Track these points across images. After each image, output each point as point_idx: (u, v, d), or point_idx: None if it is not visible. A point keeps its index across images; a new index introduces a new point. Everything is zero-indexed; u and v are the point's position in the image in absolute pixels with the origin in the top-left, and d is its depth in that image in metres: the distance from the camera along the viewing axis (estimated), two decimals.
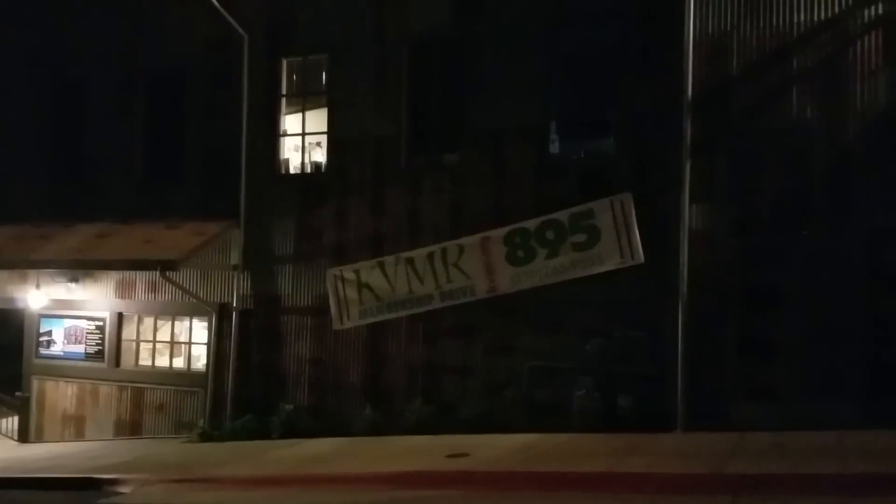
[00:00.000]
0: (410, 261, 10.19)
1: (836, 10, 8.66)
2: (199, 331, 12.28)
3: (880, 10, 8.47)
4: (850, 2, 8.60)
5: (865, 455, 6.97)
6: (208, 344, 11.99)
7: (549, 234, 9.41)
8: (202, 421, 11.45)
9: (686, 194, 9.04)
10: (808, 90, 8.80)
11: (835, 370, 8.35)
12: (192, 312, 12.22)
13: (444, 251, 9.99)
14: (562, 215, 9.37)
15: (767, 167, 8.88)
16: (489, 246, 9.71)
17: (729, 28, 9.08)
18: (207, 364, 11.95)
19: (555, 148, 10.25)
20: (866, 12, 8.54)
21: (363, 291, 10.51)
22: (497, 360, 10.17)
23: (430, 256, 10.07)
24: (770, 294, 8.71)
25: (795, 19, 8.83)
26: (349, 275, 10.59)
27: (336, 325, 10.72)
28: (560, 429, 9.09)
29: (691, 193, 9.04)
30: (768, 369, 8.65)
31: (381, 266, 10.40)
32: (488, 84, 10.45)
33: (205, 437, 11.12)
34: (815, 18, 8.75)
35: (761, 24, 8.96)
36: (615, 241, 9.12)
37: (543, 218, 9.47)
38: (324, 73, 11.84)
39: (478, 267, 9.75)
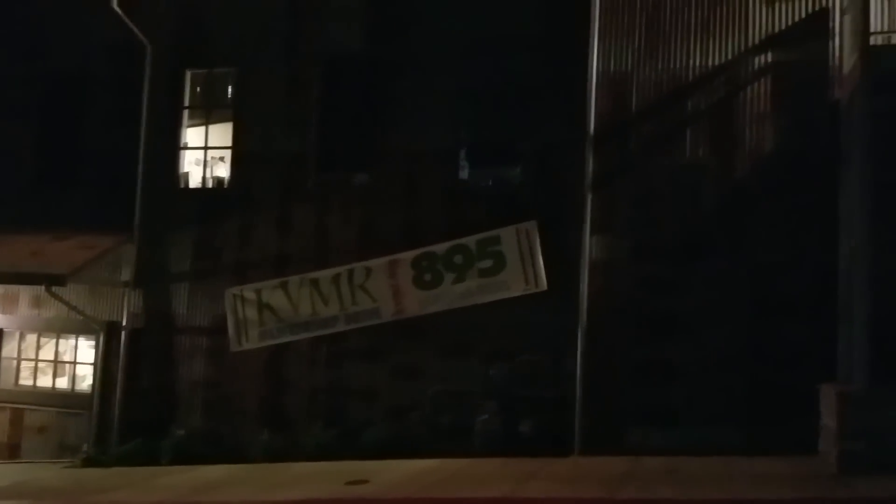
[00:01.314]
0: (315, 282, 10.08)
1: (729, 56, 9.22)
2: (86, 350, 11.70)
3: (769, 59, 9.08)
4: (742, 49, 9.18)
5: (751, 480, 7.35)
6: (95, 364, 11.43)
7: (457, 259, 9.54)
8: (87, 445, 10.87)
9: (588, 225, 9.35)
10: (702, 130, 9.30)
11: (724, 396, 8.78)
12: (78, 330, 11.63)
13: (350, 273, 9.94)
14: (469, 241, 9.52)
15: (664, 201, 9.30)
16: (397, 269, 9.74)
17: (630, 69, 9.51)
18: (94, 385, 11.39)
19: (464, 174, 10.47)
20: (756, 60, 9.14)
21: (264, 312, 10.30)
22: (402, 383, 10.15)
23: (336, 278, 9.99)
24: (665, 322, 9.09)
25: (691, 64, 9.34)
26: (249, 294, 10.35)
27: (234, 347, 10.44)
28: (463, 453, 9.12)
29: (592, 224, 9.36)
30: (663, 394, 9.00)
31: (285, 286, 10.23)
32: (401, 106, 10.54)
33: (89, 462, 10.53)
34: (709, 64, 9.28)
35: (659, 66, 9.43)
36: (520, 267, 9.35)
37: (451, 243, 9.59)
38: (230, 87, 11.62)
39: (385, 290, 9.75)
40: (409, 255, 9.78)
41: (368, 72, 10.77)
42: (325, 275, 10.07)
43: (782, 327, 8.66)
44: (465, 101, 10.33)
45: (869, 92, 7.40)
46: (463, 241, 9.55)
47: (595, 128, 9.49)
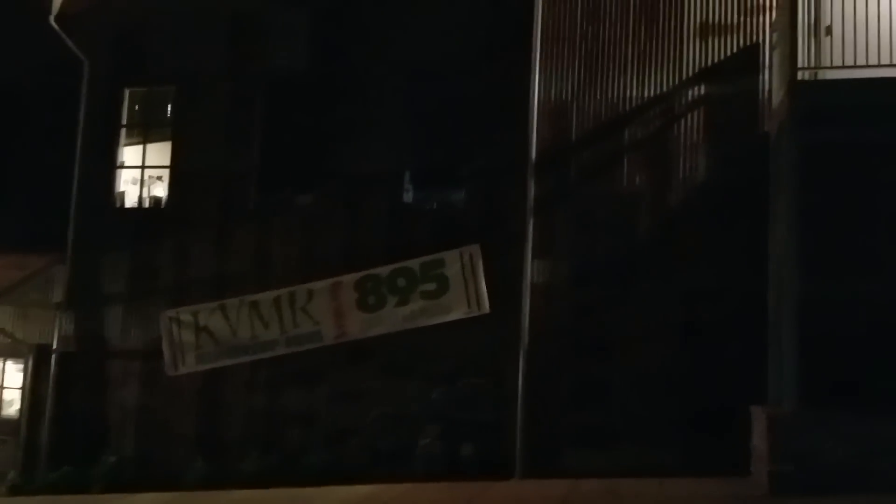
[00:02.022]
0: (255, 304, 9.96)
1: (664, 88, 9.54)
2: (14, 373, 11.29)
3: (702, 91, 9.43)
4: (676, 82, 9.51)
5: (685, 501, 7.52)
6: (24, 388, 11.03)
7: (401, 282, 9.56)
8: (13, 472, 10.44)
9: (529, 249, 9.52)
10: (639, 159, 9.57)
11: (660, 418, 8.98)
12: (6, 353, 11.24)
13: (292, 295, 9.85)
14: (413, 263, 9.55)
15: (602, 227, 9.53)
16: (340, 291, 9.70)
17: (570, 97, 9.76)
18: (22, 410, 10.99)
19: (409, 197, 10.50)
20: (690, 92, 9.48)
21: (201, 335, 10.12)
22: (343, 407, 10.04)
23: (277, 300, 9.89)
24: (603, 345, 9.29)
25: (628, 94, 9.64)
26: (186, 317, 10.16)
27: (169, 371, 10.20)
28: (404, 478, 9.07)
29: (534, 248, 9.53)
30: (601, 417, 9.17)
31: (223, 309, 10.07)
32: (345, 128, 10.50)
33: (16, 491, 10.12)
34: (645, 95, 9.59)
35: (598, 96, 9.69)
36: (463, 290, 9.42)
37: (395, 265, 9.60)
38: (170, 105, 11.45)
39: (327, 312, 9.70)
40: (352, 277, 9.74)
41: (313, 93, 10.73)
42: (265, 297, 9.95)
43: (716, 350, 8.91)
44: (410, 125, 10.39)
45: (796, 125, 7.74)
46: (406, 263, 9.58)
47: (537, 154, 9.68)
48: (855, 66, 7.73)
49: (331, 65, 10.72)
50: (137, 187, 11.45)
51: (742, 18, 9.37)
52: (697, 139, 9.40)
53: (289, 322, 9.82)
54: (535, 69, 9.71)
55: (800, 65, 7.83)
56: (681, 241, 9.28)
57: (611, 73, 9.68)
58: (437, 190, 10.41)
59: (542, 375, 9.33)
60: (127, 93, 11.43)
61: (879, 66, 7.66)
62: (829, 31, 8.24)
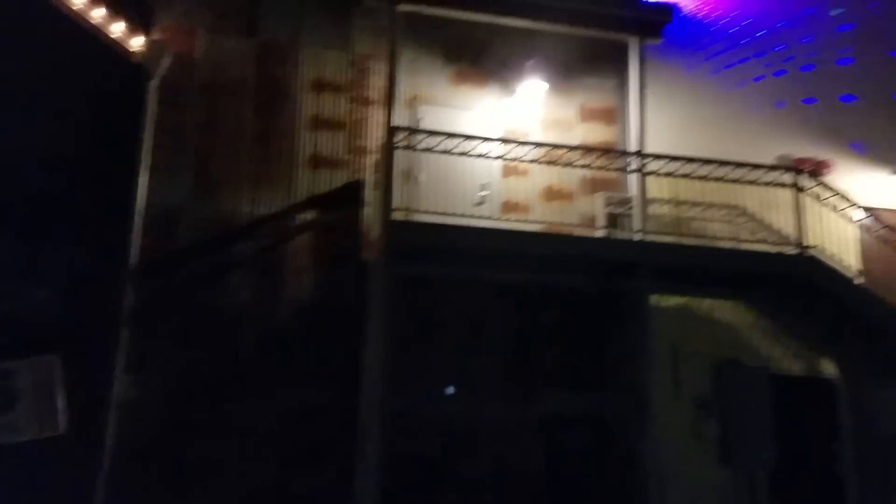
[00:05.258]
0: None
1: (275, 209, 9.84)
2: None
3: (311, 217, 9.91)
4: (287, 205, 9.88)
5: None
6: None
7: None
8: None
9: (121, 363, 8.79)
10: (247, 274, 9.57)
11: None
12: None
13: None
14: None
15: (205, 342, 9.21)
16: None
17: (179, 205, 9.50)
18: None
19: None
20: (299, 217, 9.90)
21: None
22: None
23: None
24: (198, 467, 8.78)
25: (241, 210, 9.71)
26: None
27: None
28: None
29: (126, 362, 8.82)
30: None
31: None
32: None
33: None
34: (257, 213, 9.77)
35: (211, 207, 9.60)
36: (35, 407, 8.27)
37: None
38: None
39: None
40: None
41: None
42: None
43: (311, 468, 9.00)
44: None
45: (387, 259, 8.54)
46: None
47: (138, 261, 9.15)
48: (437, 213, 8.87)
49: None
50: None
51: (349, 156, 10.17)
52: (305, 261, 9.74)
53: None
54: (142, 172, 9.31)
55: (395, 205, 8.74)
56: (283, 358, 9.36)
57: (224, 186, 9.70)
58: (10, 290, 9.09)
59: (127, 501, 8.47)
60: None
61: (455, 214, 8.90)
62: (418, 179, 9.40)
